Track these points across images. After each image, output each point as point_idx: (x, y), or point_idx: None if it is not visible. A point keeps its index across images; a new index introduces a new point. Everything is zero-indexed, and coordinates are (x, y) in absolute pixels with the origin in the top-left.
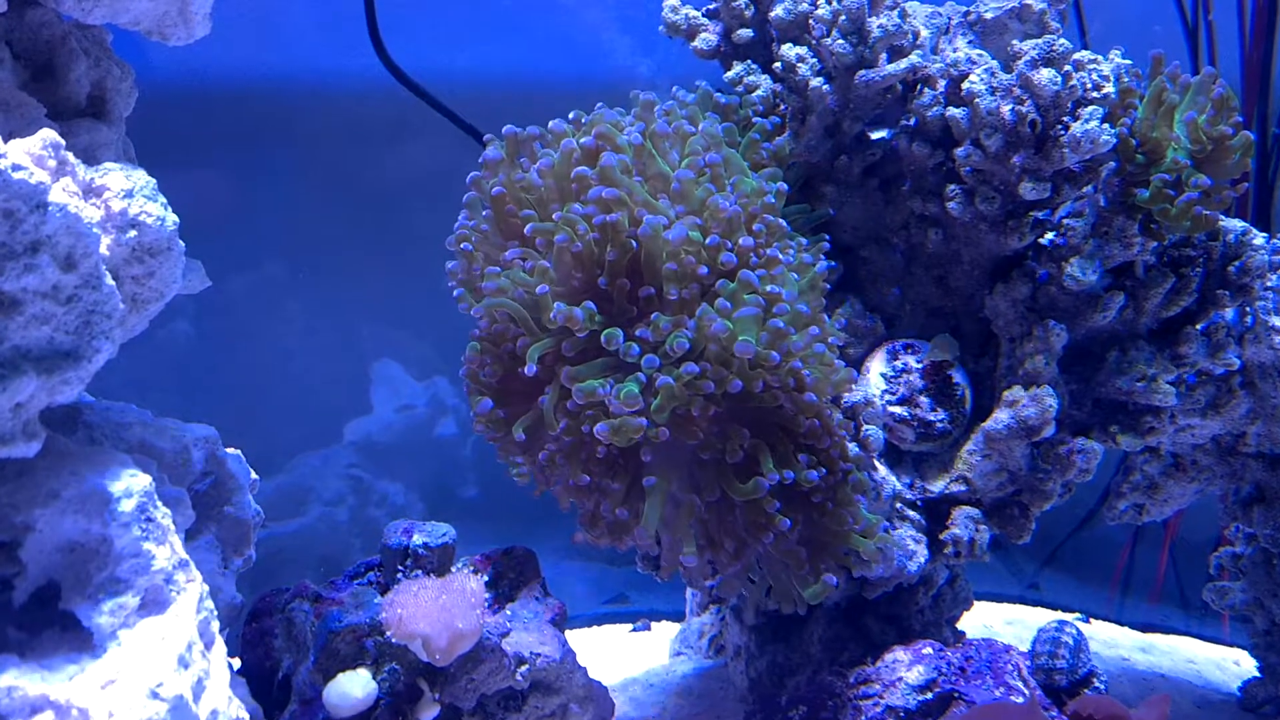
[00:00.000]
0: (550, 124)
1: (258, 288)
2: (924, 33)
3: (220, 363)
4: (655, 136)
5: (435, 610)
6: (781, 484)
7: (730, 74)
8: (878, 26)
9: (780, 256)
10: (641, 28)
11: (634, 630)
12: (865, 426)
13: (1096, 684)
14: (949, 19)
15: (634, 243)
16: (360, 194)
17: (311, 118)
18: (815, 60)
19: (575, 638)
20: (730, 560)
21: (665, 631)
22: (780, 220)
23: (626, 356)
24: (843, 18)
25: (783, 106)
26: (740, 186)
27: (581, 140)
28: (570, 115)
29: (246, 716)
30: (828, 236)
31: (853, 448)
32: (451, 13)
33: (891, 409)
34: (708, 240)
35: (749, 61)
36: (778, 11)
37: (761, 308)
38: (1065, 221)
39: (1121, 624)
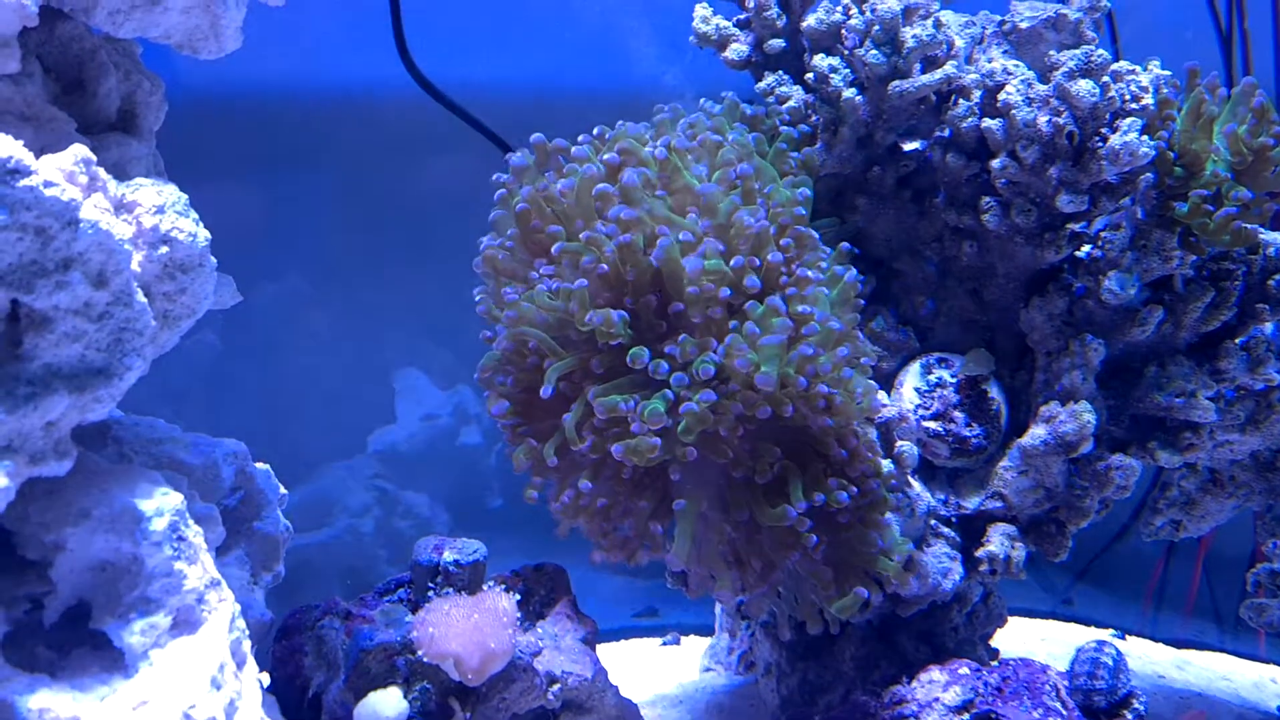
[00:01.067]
0: (574, 149)
1: (283, 298)
2: (958, 43)
3: (245, 373)
4: (678, 151)
5: (467, 629)
6: (811, 505)
7: (762, 85)
8: (912, 37)
9: (810, 274)
10: (669, 37)
11: (664, 644)
12: (899, 442)
13: (1137, 705)
14: (983, 29)
15: (654, 260)
16: (384, 204)
17: (336, 129)
18: (848, 71)
19: (603, 651)
20: (757, 579)
21: (695, 646)
22: (811, 231)
23: (656, 374)
24: (876, 28)
25: (814, 117)
26: (774, 196)
27: (605, 157)
28: (595, 131)
29: None
30: (856, 250)
31: (886, 464)
32: (477, 22)
33: (926, 424)
34: (733, 261)
35: (780, 72)
36: (810, 21)
37: (790, 331)
38: (1103, 234)
39: (1156, 640)
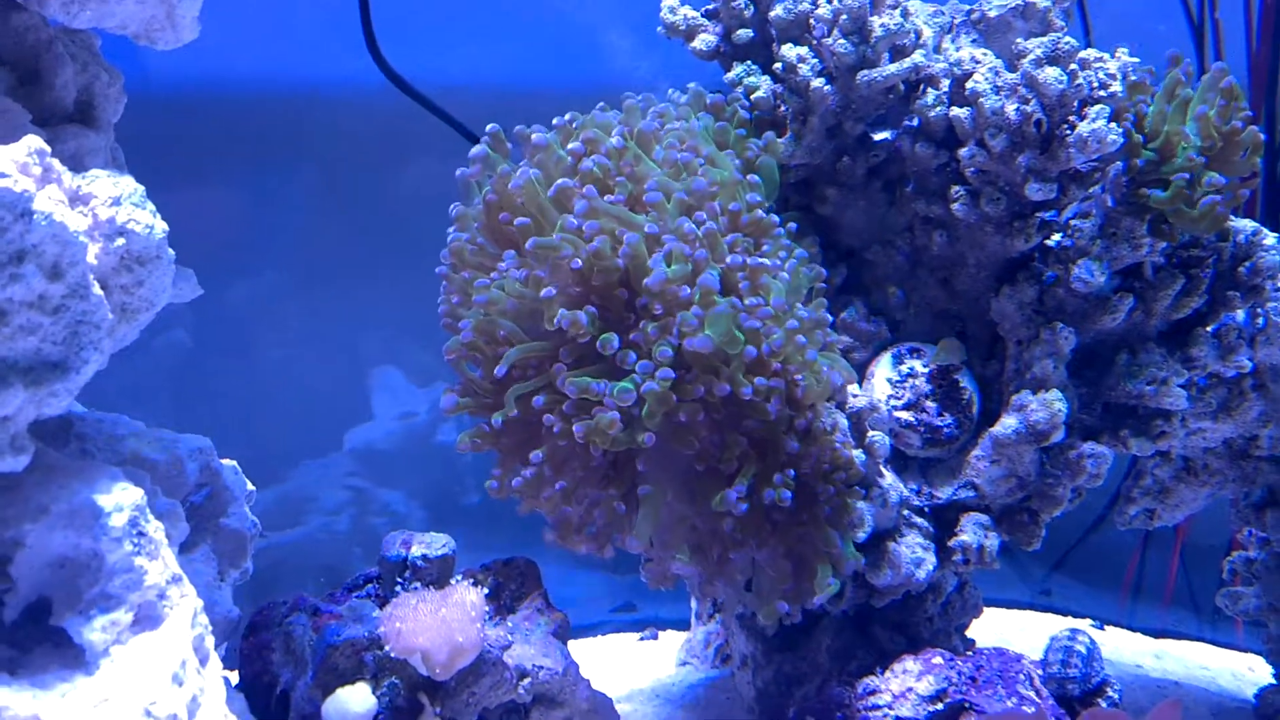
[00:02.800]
0: (534, 136)
1: (257, 295)
2: (927, 32)
3: (219, 371)
4: (642, 136)
5: (435, 624)
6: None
7: (730, 75)
8: (880, 26)
9: (765, 262)
10: (642, 29)
11: (642, 639)
12: (871, 433)
13: (1110, 693)
14: (952, 18)
15: (620, 261)
16: (361, 200)
17: (313, 125)
18: (816, 60)
19: (582, 647)
20: (713, 569)
21: (673, 640)
22: (766, 216)
23: (623, 364)
24: (844, 17)
25: (783, 107)
26: (709, 174)
27: (570, 146)
28: (566, 116)
29: None
30: (820, 239)
31: (858, 454)
32: (450, 18)
33: (898, 414)
34: (696, 254)
35: (749, 62)
36: (778, 11)
37: (735, 309)
38: (1072, 223)
39: (1133, 629)
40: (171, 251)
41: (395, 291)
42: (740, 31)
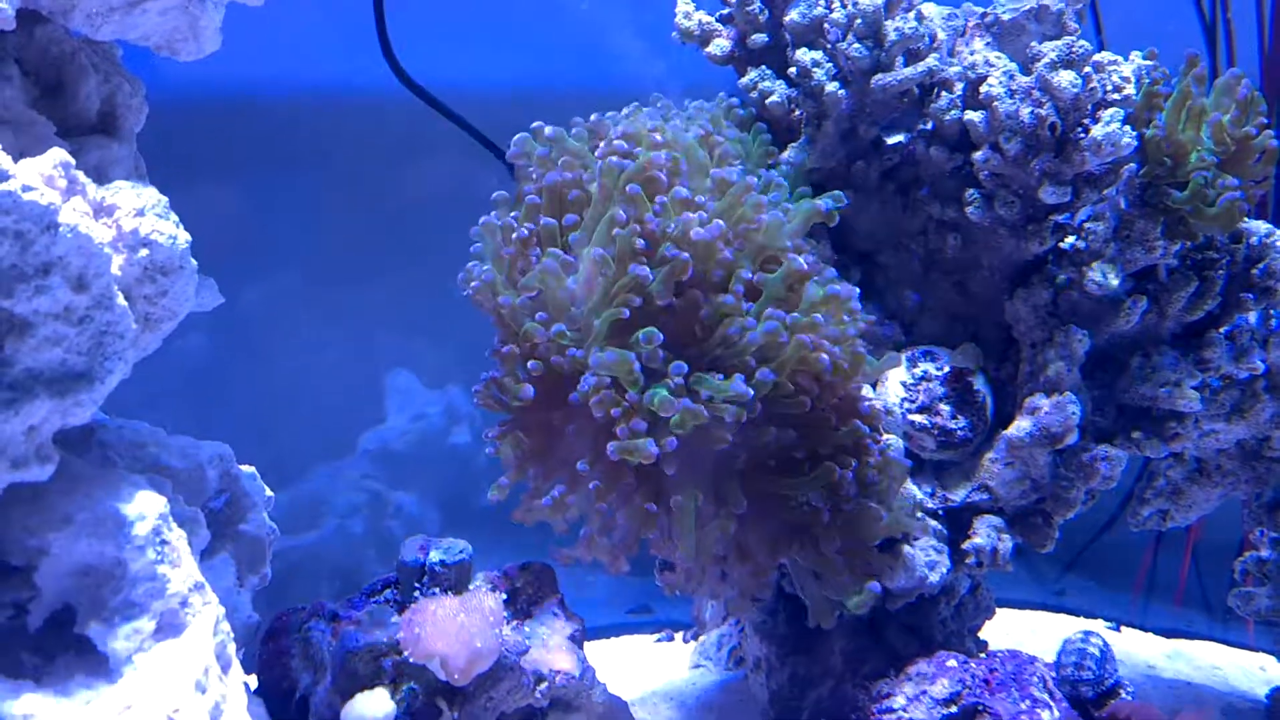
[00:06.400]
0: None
1: (271, 299)
2: (941, 35)
3: (233, 375)
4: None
5: (453, 629)
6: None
7: (745, 80)
8: (894, 30)
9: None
10: (654, 32)
11: (658, 640)
12: (885, 435)
13: (1124, 695)
14: (966, 21)
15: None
16: (373, 204)
17: (325, 129)
18: (831, 65)
19: (597, 649)
20: (757, 571)
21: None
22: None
23: (652, 362)
24: (858, 21)
25: (798, 112)
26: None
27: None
28: (593, 118)
29: None
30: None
31: (894, 441)
32: (460, 21)
33: (911, 417)
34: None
35: (764, 67)
36: (792, 16)
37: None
38: (1086, 225)
39: (1146, 630)
40: (194, 261)
41: (408, 293)
42: (755, 36)
